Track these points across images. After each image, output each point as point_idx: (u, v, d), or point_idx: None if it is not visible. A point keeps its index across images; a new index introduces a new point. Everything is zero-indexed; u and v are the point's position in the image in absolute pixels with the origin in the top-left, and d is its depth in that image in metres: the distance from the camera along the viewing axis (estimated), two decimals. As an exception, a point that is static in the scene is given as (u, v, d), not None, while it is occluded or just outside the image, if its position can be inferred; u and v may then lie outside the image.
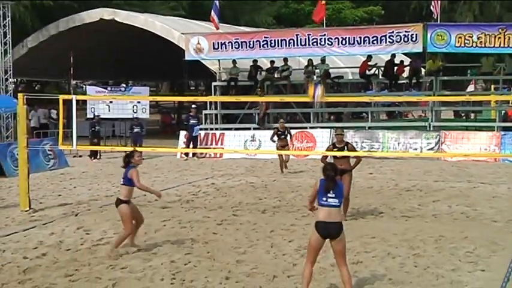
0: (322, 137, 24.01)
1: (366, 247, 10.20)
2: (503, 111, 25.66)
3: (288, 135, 19.92)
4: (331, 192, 7.53)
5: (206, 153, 24.39)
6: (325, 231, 7.54)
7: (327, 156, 12.51)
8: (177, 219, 12.68)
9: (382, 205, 14.07)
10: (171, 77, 44.23)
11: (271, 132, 23.12)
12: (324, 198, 7.54)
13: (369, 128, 24.99)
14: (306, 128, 25.14)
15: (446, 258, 9.61)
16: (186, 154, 24.29)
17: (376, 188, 16.61)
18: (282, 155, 19.41)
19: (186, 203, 14.81)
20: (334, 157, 12.40)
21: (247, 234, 11.21)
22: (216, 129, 26.33)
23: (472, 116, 29.15)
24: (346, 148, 12.40)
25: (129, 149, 11.80)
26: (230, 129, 26.43)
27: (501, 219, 12.48)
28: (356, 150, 12.52)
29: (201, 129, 25.28)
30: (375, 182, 17.65)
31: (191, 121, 24.54)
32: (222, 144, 25.03)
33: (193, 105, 25.37)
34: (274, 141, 19.80)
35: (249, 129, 25.86)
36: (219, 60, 27.88)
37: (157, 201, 14.97)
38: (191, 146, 24.11)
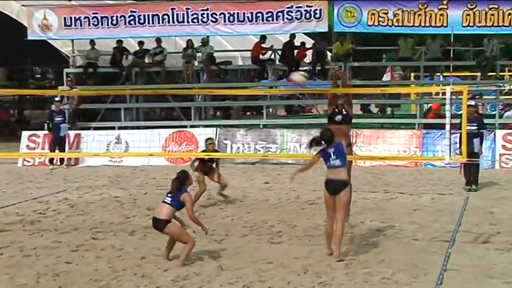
0: (206, 137, 23.99)
1: (261, 275, 10.28)
2: (425, 105, 26.55)
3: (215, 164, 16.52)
4: (332, 154, 10.99)
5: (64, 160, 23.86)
6: (332, 187, 11.01)
7: None
8: (18, 245, 12.35)
9: (280, 222, 14.23)
10: (9, 62, 42.89)
11: (139, 132, 23.05)
12: (328, 162, 11.01)
13: (264, 126, 25.26)
14: (185, 126, 25.12)
15: (358, 286, 9.84)
16: (51, 161, 23.66)
17: (273, 201, 16.79)
18: (203, 187, 16.10)
19: (30, 224, 14.44)
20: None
21: (111, 263, 11.05)
22: (70, 128, 25.86)
23: (389, 111, 30.03)
24: None
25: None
26: (88, 128, 26.02)
27: (423, 237, 12.90)
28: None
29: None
30: (272, 194, 17.84)
31: (56, 118, 23.98)
32: (77, 147, 24.60)
33: (56, 98, 24.83)
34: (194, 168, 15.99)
35: (113, 128, 25.56)
36: (72, 40, 27.40)
37: (22, 221, 14.52)
38: (57, 150, 23.54)
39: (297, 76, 13.91)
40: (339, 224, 11.06)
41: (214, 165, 16.47)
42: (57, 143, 23.81)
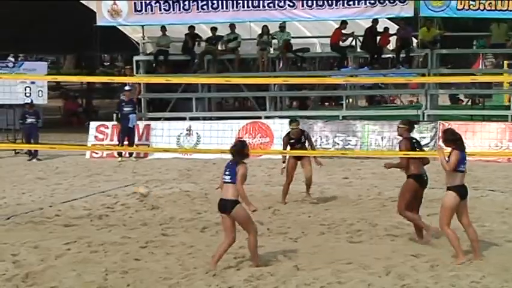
0: (282, 130, 24.01)
1: (339, 276, 10.26)
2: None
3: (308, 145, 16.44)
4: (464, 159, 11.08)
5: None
6: (465, 193, 11.16)
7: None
8: (85, 240, 12.56)
9: (360, 220, 14.17)
10: (78, 49, 43.78)
11: (211, 124, 23.17)
12: (463, 166, 11.02)
13: (344, 117, 25.15)
14: (259, 117, 25.18)
15: (445, 290, 9.75)
16: (120, 153, 24.01)
17: (353, 198, 16.72)
18: (289, 180, 16.30)
19: (98, 219, 14.68)
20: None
21: (181, 261, 11.17)
22: (139, 119, 26.20)
23: (479, 101, 29.60)
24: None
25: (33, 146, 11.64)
26: (158, 119, 26.31)
27: (516, 238, 12.72)
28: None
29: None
30: (351, 190, 17.77)
31: (125, 108, 24.32)
32: (147, 139, 24.90)
33: (126, 87, 25.13)
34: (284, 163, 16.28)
35: (183, 119, 25.78)
36: (142, 26, 27.69)
37: (90, 216, 14.80)
38: (126, 141, 23.90)
39: (141, 189, 14.28)
40: (470, 229, 11.30)
41: (307, 145, 16.26)
42: (126, 134, 24.13)
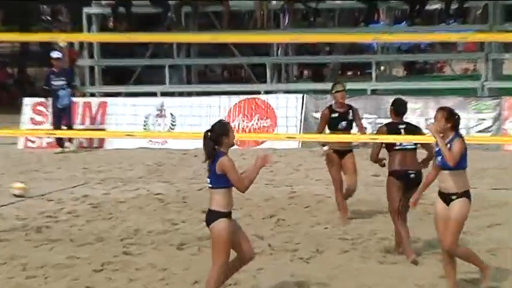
0: (287, 107, 24.06)
1: (368, 308, 10.36)
2: None
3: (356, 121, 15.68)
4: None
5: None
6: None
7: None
8: (19, 262, 12.62)
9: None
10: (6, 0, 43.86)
11: (191, 100, 23.28)
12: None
13: (373, 91, 25.19)
14: (258, 92, 25.21)
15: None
16: (60, 141, 23.86)
17: (386, 203, 16.75)
18: (339, 185, 15.63)
19: (35, 232, 14.73)
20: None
21: (150, 289, 11.24)
22: (93, 94, 26.23)
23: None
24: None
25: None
26: (118, 94, 26.34)
27: None
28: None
29: (73, 95, 24.86)
30: (383, 192, 17.80)
31: (54, 82, 24.21)
32: (102, 122, 24.91)
33: (54, 53, 25.04)
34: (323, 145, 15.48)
35: (153, 94, 25.81)
36: (96, -34, 27.79)
37: (25, 228, 14.86)
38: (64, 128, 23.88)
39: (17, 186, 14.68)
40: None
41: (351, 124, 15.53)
42: (59, 115, 23.84)
